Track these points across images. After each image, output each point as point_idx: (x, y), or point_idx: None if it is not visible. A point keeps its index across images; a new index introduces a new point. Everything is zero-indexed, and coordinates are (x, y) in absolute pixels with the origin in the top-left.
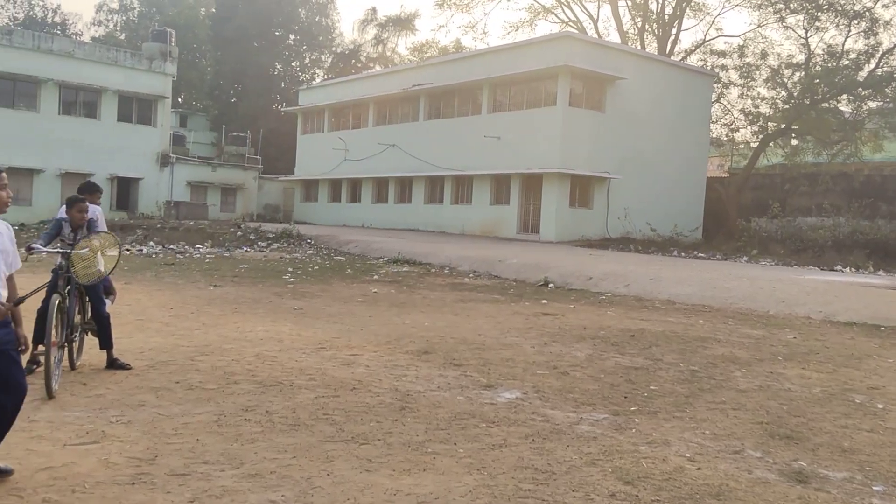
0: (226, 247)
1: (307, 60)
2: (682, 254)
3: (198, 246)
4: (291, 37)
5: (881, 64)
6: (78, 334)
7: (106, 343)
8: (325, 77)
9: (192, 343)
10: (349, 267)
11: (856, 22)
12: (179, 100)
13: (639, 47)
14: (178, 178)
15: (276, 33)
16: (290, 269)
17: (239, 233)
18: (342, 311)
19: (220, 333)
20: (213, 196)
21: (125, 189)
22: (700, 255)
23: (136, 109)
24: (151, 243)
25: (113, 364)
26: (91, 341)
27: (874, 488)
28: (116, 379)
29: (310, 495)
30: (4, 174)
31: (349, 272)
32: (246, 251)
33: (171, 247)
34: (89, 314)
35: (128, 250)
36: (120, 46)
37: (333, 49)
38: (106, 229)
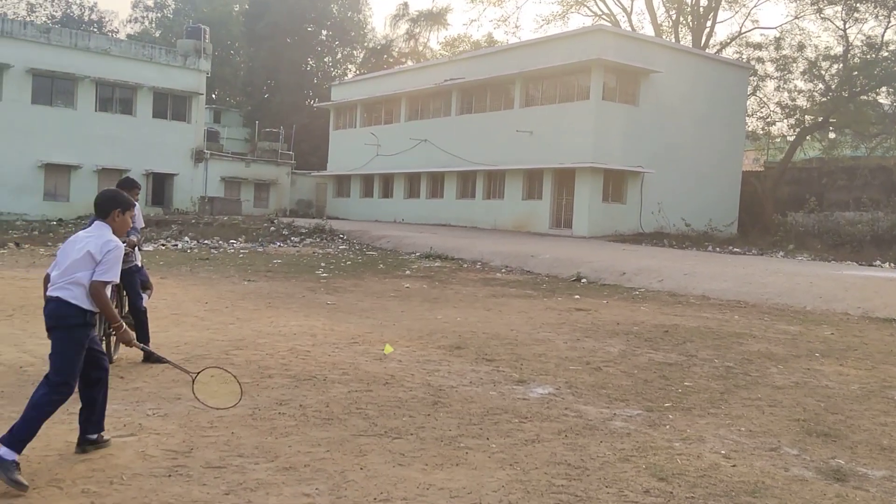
0: (259, 242)
1: (339, 56)
2: (717, 249)
3: (231, 241)
4: (324, 32)
5: None
6: None
7: (143, 337)
8: (358, 72)
9: (227, 337)
10: (381, 262)
11: (895, 13)
12: (213, 96)
13: (673, 40)
14: (213, 173)
15: (309, 29)
16: (322, 264)
17: (272, 228)
18: (374, 306)
19: (254, 328)
20: (247, 191)
21: (160, 185)
22: (735, 250)
23: (170, 106)
24: (186, 238)
25: (149, 358)
26: None
27: None
28: (153, 373)
29: (343, 489)
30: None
31: (381, 267)
32: (279, 246)
33: (206, 242)
34: (126, 308)
35: (163, 245)
36: (155, 43)
37: (365, 44)
38: (143, 224)
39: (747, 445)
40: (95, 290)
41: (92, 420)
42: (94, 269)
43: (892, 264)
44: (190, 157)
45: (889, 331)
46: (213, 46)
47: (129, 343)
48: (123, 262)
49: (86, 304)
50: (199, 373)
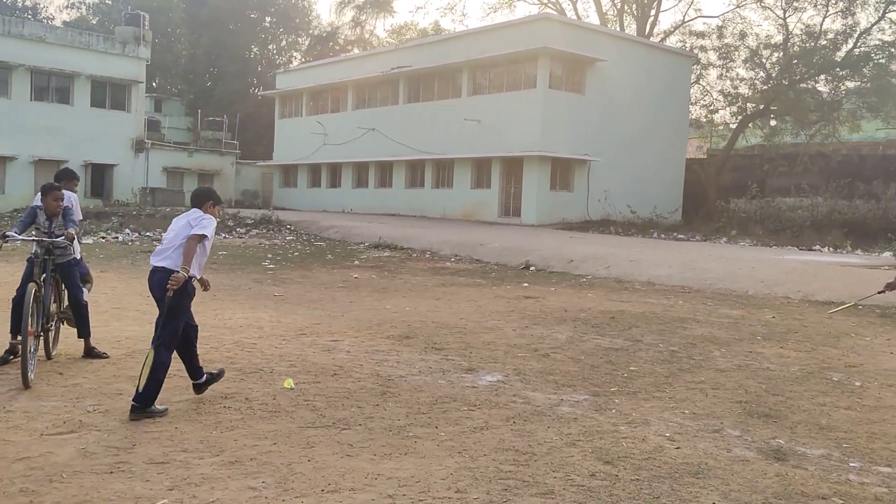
0: None
1: (284, 43)
2: (662, 235)
3: None
4: (268, 19)
5: (858, 44)
6: (54, 323)
7: (83, 331)
8: (303, 60)
9: None
10: (330, 252)
11: (833, 2)
12: (154, 84)
13: (618, 29)
14: (154, 164)
15: (252, 16)
16: (269, 256)
17: (217, 219)
18: (323, 297)
19: (199, 321)
20: (190, 182)
21: (100, 176)
22: (680, 236)
23: (109, 95)
24: (127, 231)
25: (90, 353)
26: (66, 331)
27: (851, 465)
28: (93, 368)
29: (290, 481)
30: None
31: (330, 258)
32: (224, 238)
33: (148, 234)
34: (66, 303)
35: (103, 238)
36: (92, 31)
37: (311, 32)
38: (81, 216)
39: (691, 427)
40: (189, 241)
41: (195, 366)
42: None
43: (831, 249)
44: (130, 148)
45: (828, 313)
46: (152, 33)
47: (206, 287)
48: (62, 255)
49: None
50: None
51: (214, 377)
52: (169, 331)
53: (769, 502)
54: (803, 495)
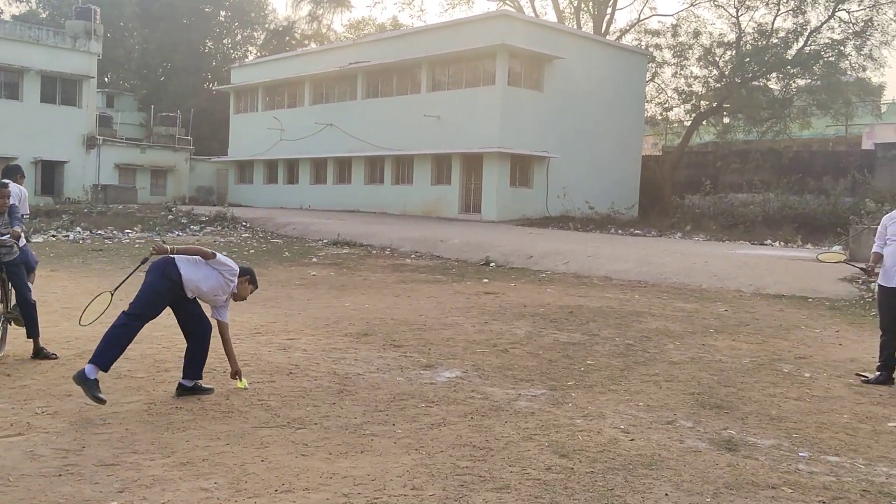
0: (156, 231)
1: (239, 38)
2: (620, 231)
3: (127, 231)
4: (222, 13)
5: (809, 42)
6: (1, 324)
7: (32, 331)
8: (259, 55)
9: None
10: (287, 250)
11: (785, 1)
12: (106, 79)
13: (575, 27)
14: (106, 160)
15: (207, 10)
16: (224, 254)
17: (170, 216)
18: (279, 295)
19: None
20: (143, 179)
21: (50, 173)
22: (636, 232)
23: (60, 90)
24: (78, 229)
25: (39, 353)
26: (14, 331)
27: (800, 454)
28: (42, 369)
29: (243, 482)
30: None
31: (287, 255)
32: (178, 235)
33: (99, 232)
34: (13, 302)
35: (53, 236)
36: (42, 25)
37: (266, 26)
38: (28, 211)
39: (645, 419)
40: (199, 250)
41: (192, 366)
42: None
43: (782, 243)
44: (81, 144)
45: (779, 306)
46: (104, 27)
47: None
48: (8, 254)
49: None
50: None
51: (202, 389)
52: (135, 301)
53: (720, 492)
54: (754, 485)
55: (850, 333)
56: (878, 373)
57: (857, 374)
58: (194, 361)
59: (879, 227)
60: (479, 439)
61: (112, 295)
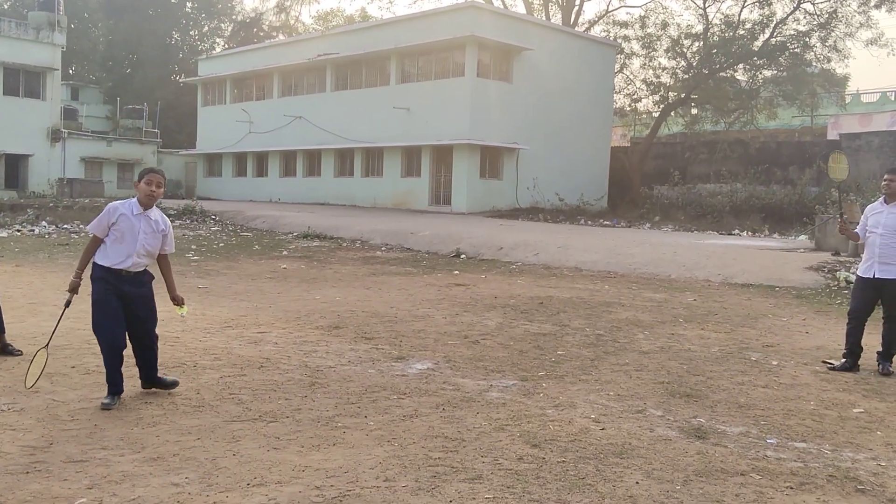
0: None
1: (206, 29)
2: (589, 222)
3: None
4: (189, 4)
5: (775, 34)
6: None
7: None
8: (226, 46)
9: (89, 326)
10: (257, 243)
11: None
12: (70, 72)
13: (544, 18)
14: (71, 153)
15: (173, 1)
16: (193, 247)
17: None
18: (249, 289)
19: None
20: (110, 172)
21: (14, 167)
22: (606, 223)
23: (23, 82)
24: (44, 223)
25: (4, 350)
26: None
27: (768, 441)
28: (7, 366)
29: (214, 476)
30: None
31: (257, 248)
32: None
33: (66, 226)
34: None
35: (18, 231)
36: (4, 15)
37: (234, 17)
38: None
39: (615, 409)
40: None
41: (142, 372)
42: None
43: (750, 233)
44: (46, 137)
45: (747, 295)
46: (68, 19)
47: None
48: None
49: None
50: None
51: (165, 383)
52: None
53: (691, 480)
54: (723, 472)
55: (817, 322)
56: (843, 360)
57: (824, 362)
58: (146, 367)
59: (861, 217)
60: (451, 430)
61: (48, 351)
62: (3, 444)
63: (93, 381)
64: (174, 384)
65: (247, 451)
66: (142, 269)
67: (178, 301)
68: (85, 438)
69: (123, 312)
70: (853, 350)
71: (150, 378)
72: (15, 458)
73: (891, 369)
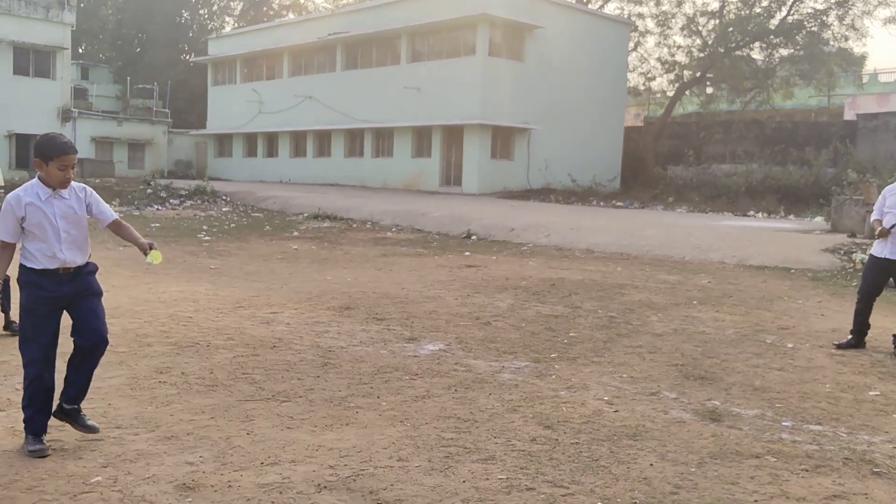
0: (135, 205)
1: (216, 7)
2: (602, 203)
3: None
4: None
5: (792, 12)
6: None
7: (5, 305)
8: (236, 25)
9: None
10: (268, 224)
11: None
12: (80, 51)
13: None
14: (82, 133)
15: None
16: (204, 228)
17: (149, 190)
18: (261, 269)
19: (132, 295)
20: (120, 152)
21: (24, 147)
22: (618, 204)
23: (33, 62)
24: None
25: (9, 326)
26: None
27: (783, 424)
28: (15, 344)
29: (228, 455)
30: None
31: (268, 229)
32: (157, 209)
33: None
34: None
35: None
36: None
37: None
38: (3, 183)
39: (629, 391)
40: None
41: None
42: None
43: (765, 214)
44: (56, 117)
45: (762, 277)
46: None
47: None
48: None
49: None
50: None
51: (83, 421)
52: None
53: (705, 462)
54: (738, 454)
55: (833, 304)
56: (849, 336)
57: (837, 344)
58: (72, 381)
59: (879, 197)
60: (464, 411)
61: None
62: (17, 422)
63: (106, 360)
64: (93, 430)
65: (260, 430)
66: (83, 263)
67: (146, 248)
68: (99, 417)
69: (59, 325)
70: (861, 329)
71: (74, 401)
72: (30, 437)
73: None
